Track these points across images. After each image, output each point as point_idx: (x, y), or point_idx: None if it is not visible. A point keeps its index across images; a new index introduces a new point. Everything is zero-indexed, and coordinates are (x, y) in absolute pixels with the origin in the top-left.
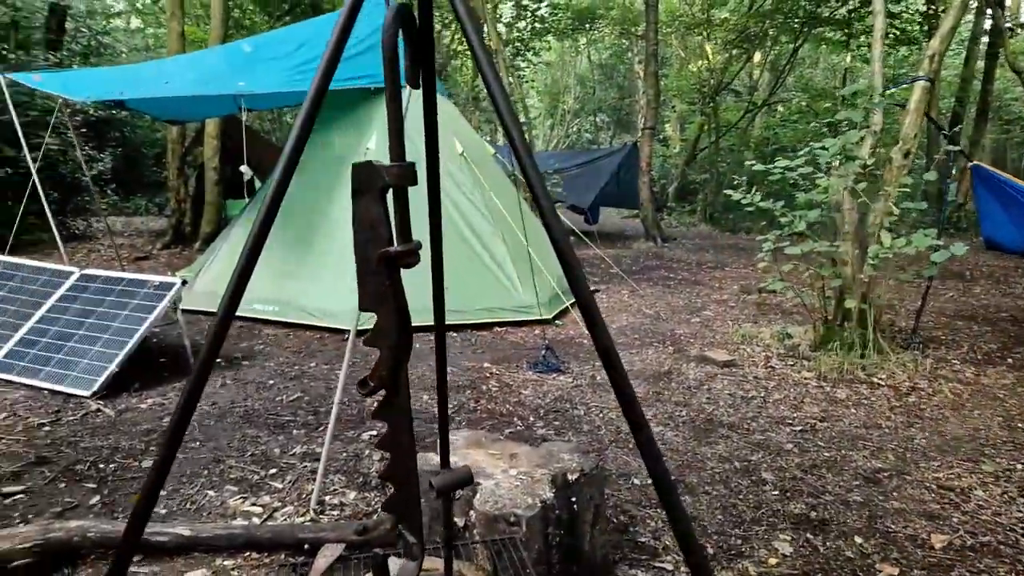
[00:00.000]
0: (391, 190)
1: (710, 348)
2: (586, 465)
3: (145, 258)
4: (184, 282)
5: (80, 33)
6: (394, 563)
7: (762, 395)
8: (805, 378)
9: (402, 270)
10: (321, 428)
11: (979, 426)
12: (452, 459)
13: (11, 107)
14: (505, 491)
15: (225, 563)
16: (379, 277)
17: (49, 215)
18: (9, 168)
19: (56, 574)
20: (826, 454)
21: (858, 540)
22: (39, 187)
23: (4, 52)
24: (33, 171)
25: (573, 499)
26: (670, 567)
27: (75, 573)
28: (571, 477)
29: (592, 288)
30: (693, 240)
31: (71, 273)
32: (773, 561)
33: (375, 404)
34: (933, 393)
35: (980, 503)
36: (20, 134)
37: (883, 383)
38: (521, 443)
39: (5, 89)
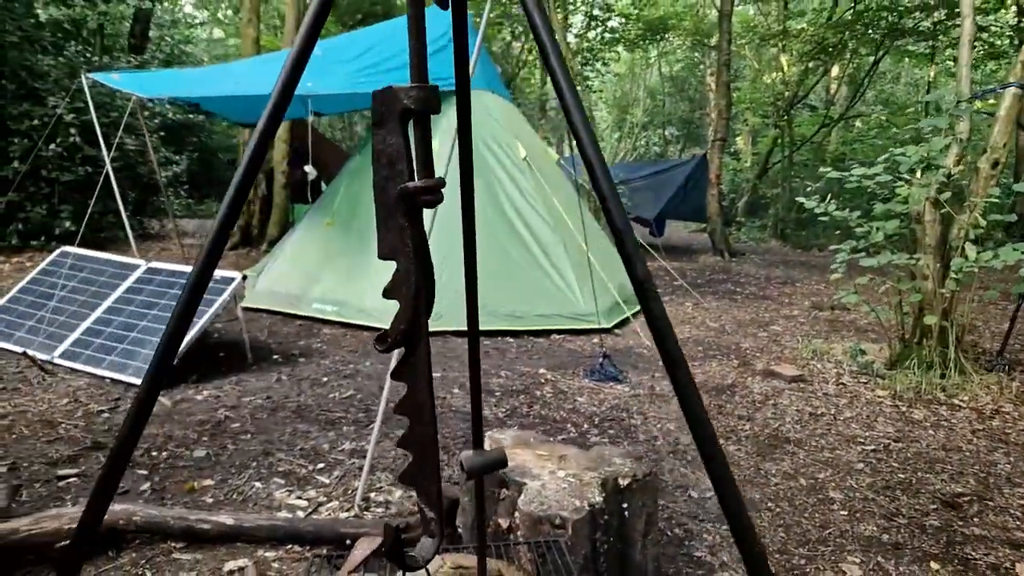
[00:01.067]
0: (412, 121)
1: (777, 363)
2: (639, 471)
3: None
4: (244, 277)
5: (164, 41)
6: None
7: (832, 412)
8: (879, 396)
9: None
10: (371, 426)
11: None
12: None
13: (91, 107)
14: (552, 492)
15: (267, 554)
16: (398, 219)
17: (123, 212)
18: (90, 167)
19: (100, 556)
20: (900, 475)
21: (934, 566)
22: (114, 185)
23: (89, 55)
24: (109, 169)
25: (624, 505)
26: None
27: (119, 556)
28: (623, 482)
29: None
30: (762, 256)
31: (137, 266)
32: None
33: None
34: (1019, 417)
35: None
36: (99, 134)
37: (964, 405)
38: (571, 446)
39: (87, 89)
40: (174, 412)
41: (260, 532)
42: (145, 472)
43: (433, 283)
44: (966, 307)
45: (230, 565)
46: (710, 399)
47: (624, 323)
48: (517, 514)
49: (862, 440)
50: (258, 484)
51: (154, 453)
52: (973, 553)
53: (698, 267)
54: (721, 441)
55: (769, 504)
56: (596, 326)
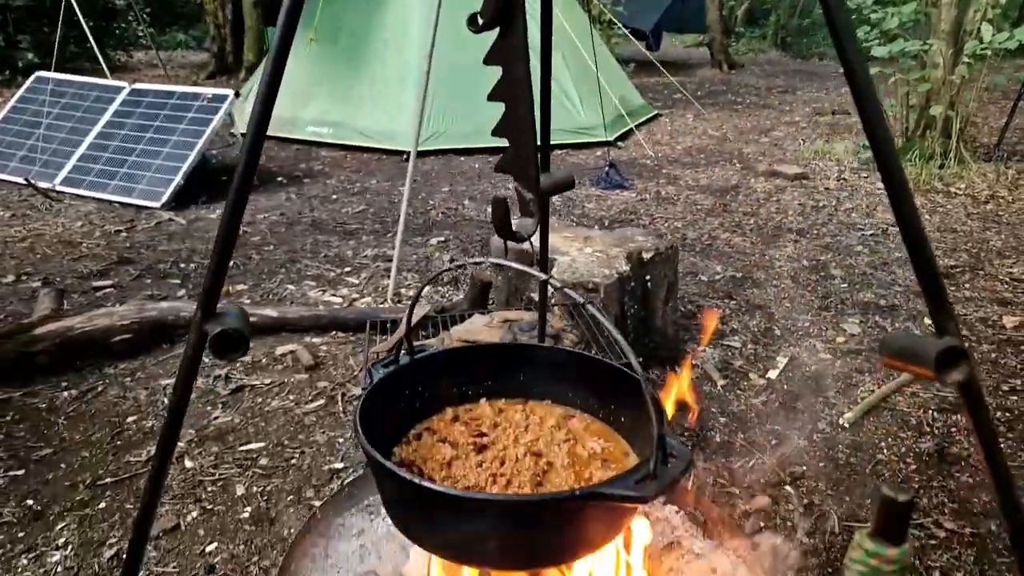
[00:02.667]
0: None
1: (779, 164)
2: (661, 245)
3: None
4: (237, 94)
5: None
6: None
7: (833, 204)
8: (879, 189)
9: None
10: (389, 235)
11: None
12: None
13: None
14: (581, 265)
15: (314, 340)
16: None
17: (89, 34)
18: None
19: (156, 348)
20: (897, 254)
21: (927, 321)
22: (76, 7)
23: None
24: None
25: (647, 277)
26: (738, 344)
27: (173, 348)
28: (646, 256)
29: (654, 113)
30: (763, 67)
31: (121, 88)
32: (840, 340)
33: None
34: (1013, 201)
35: None
36: None
37: (961, 192)
38: (594, 228)
39: None
40: (191, 230)
41: (304, 322)
42: (177, 281)
43: None
44: (972, 94)
45: (281, 349)
46: (715, 200)
47: (627, 135)
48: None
49: (861, 227)
50: (291, 287)
51: (182, 265)
52: (964, 311)
53: (697, 80)
54: (727, 235)
55: (774, 282)
56: (600, 139)
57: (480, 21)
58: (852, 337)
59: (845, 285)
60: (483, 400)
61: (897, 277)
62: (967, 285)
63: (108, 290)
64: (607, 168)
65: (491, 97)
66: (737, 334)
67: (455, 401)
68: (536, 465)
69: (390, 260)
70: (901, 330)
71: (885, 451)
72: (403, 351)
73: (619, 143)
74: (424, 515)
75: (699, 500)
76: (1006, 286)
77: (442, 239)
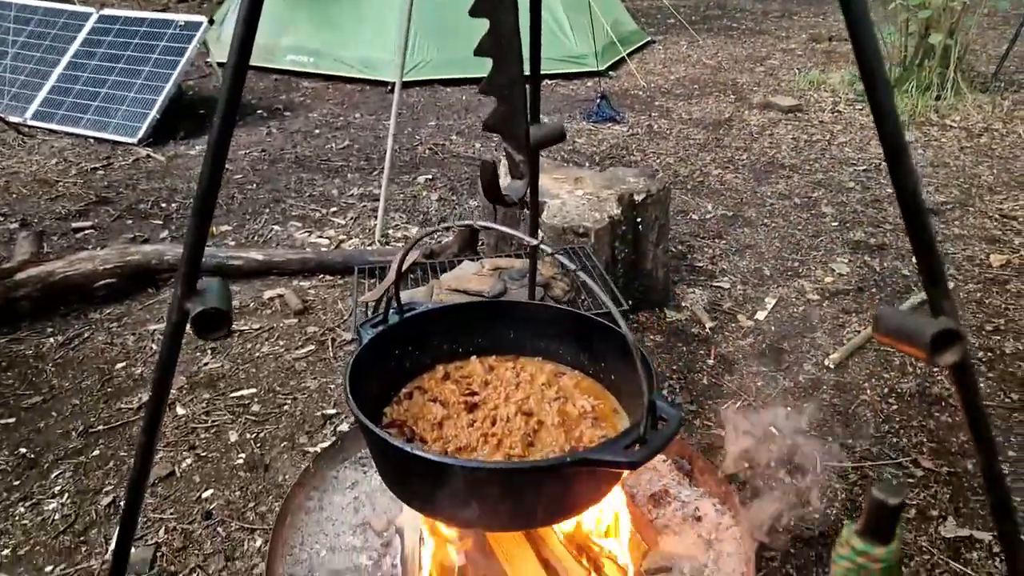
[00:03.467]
0: None
1: (774, 95)
2: (653, 187)
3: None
4: (211, 21)
5: None
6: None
7: (827, 138)
8: (873, 122)
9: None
10: (375, 173)
11: None
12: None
13: None
14: (572, 208)
15: (302, 283)
16: None
17: None
18: None
19: (140, 293)
20: (889, 190)
21: (915, 260)
22: None
23: None
24: None
25: (639, 219)
26: (727, 285)
27: (158, 292)
28: (637, 198)
29: (647, 39)
30: None
31: (89, 14)
32: (829, 279)
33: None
34: (1007, 134)
35: None
36: None
37: (955, 125)
38: (584, 168)
39: None
40: (171, 167)
41: (291, 265)
42: (160, 222)
43: None
44: (972, 20)
45: (269, 293)
46: (708, 134)
47: (619, 64)
48: (543, 224)
49: (855, 162)
50: (276, 227)
51: (163, 205)
52: (952, 249)
53: (692, 3)
54: (719, 171)
55: (765, 221)
56: (591, 69)
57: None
58: (840, 277)
59: (836, 223)
60: (474, 357)
61: (888, 215)
62: (956, 222)
63: (88, 231)
64: (598, 100)
65: (478, 52)
66: (727, 275)
67: (446, 358)
68: (527, 424)
69: (377, 199)
70: (890, 269)
71: (868, 391)
72: (392, 310)
73: (611, 72)
74: (417, 481)
75: (685, 448)
76: (995, 223)
77: (430, 177)
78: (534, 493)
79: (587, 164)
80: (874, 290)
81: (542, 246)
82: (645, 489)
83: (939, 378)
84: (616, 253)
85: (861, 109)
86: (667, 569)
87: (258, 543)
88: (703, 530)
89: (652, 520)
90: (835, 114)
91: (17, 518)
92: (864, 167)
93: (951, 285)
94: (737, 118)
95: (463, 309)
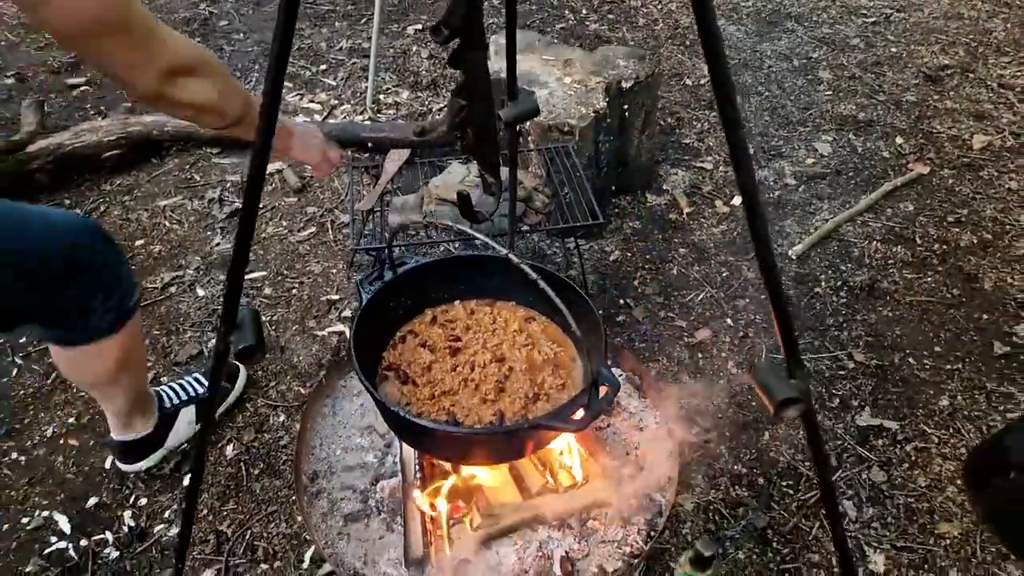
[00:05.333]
0: None
1: None
2: (641, 72)
3: None
4: None
5: None
6: (474, 195)
7: None
8: None
9: None
10: (363, 20)
11: None
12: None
13: None
14: (559, 100)
15: None
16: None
17: None
18: None
19: (146, 164)
20: (892, 49)
21: (899, 140)
22: None
23: None
24: None
25: (625, 107)
26: (709, 166)
27: (164, 162)
28: (625, 85)
29: None
30: None
31: None
32: (810, 161)
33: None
34: None
35: None
36: None
37: None
38: (576, 48)
39: None
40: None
41: None
42: None
43: None
44: None
45: (268, 168)
46: None
47: None
48: (528, 123)
49: (865, 11)
50: None
51: None
52: (938, 127)
53: None
54: (722, 22)
55: (759, 88)
56: None
57: (444, 32)
58: (821, 159)
59: (829, 92)
60: (458, 302)
61: (884, 80)
62: (952, 92)
63: (84, 89)
64: None
65: (454, 94)
66: (711, 153)
67: (432, 303)
68: (499, 371)
69: (365, 56)
70: (871, 151)
71: (823, 284)
72: (387, 268)
73: None
74: (413, 435)
75: (638, 367)
76: (991, 94)
77: (419, 27)
78: (501, 445)
79: (584, 10)
80: (851, 174)
81: (510, 256)
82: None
83: (891, 271)
84: (600, 146)
85: None
86: (611, 470)
87: (281, 418)
88: (643, 437)
89: (600, 429)
90: None
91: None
92: (874, 18)
93: (926, 170)
94: None
95: (449, 263)
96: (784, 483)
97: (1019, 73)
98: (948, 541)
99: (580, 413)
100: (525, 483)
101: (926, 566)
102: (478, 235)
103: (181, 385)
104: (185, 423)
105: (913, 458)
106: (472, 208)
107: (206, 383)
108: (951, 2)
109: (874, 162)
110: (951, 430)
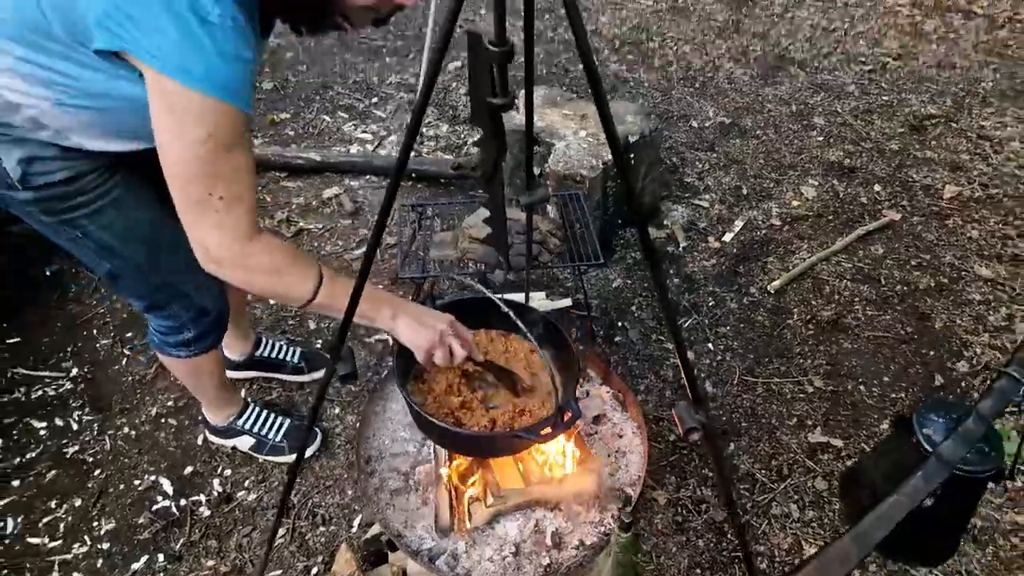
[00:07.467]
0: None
1: None
2: (646, 128)
3: None
4: None
5: None
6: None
7: (845, 27)
8: (899, 4)
9: None
10: (409, 56)
11: None
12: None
13: None
14: (574, 153)
15: (352, 183)
16: (484, 110)
17: None
18: None
19: None
20: (885, 98)
21: (877, 188)
22: None
23: None
24: None
25: (631, 155)
26: (707, 204)
27: None
28: (632, 139)
29: None
30: None
31: None
32: (795, 203)
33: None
34: None
35: (1010, 155)
36: None
37: (980, 12)
38: (591, 103)
39: None
40: None
41: (342, 166)
42: None
43: (504, 145)
44: None
45: (327, 193)
46: (730, 14)
47: None
48: (547, 168)
49: (863, 59)
50: (326, 118)
51: None
52: (915, 175)
53: None
54: (730, 65)
55: (758, 132)
56: None
57: (477, 173)
58: (806, 202)
59: (821, 138)
60: (482, 330)
61: (873, 128)
62: (932, 142)
63: None
64: None
65: (484, 205)
66: (710, 192)
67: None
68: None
69: (412, 90)
70: (851, 196)
71: (795, 317)
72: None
73: None
74: (427, 430)
75: (621, 383)
76: (970, 144)
77: (459, 63)
78: (492, 444)
79: (606, 50)
80: (831, 217)
81: (509, 312)
82: (594, 411)
83: (856, 307)
84: (607, 191)
85: None
86: (592, 468)
87: (336, 411)
88: (622, 443)
89: (590, 435)
90: None
91: None
92: (871, 66)
93: (898, 217)
94: None
95: (475, 302)
96: (743, 486)
97: (1000, 124)
98: None
99: (548, 429)
100: (527, 472)
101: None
102: (485, 291)
103: (264, 416)
104: (246, 444)
105: None
106: (488, 285)
107: (278, 434)
108: (948, 50)
109: (853, 207)
110: None
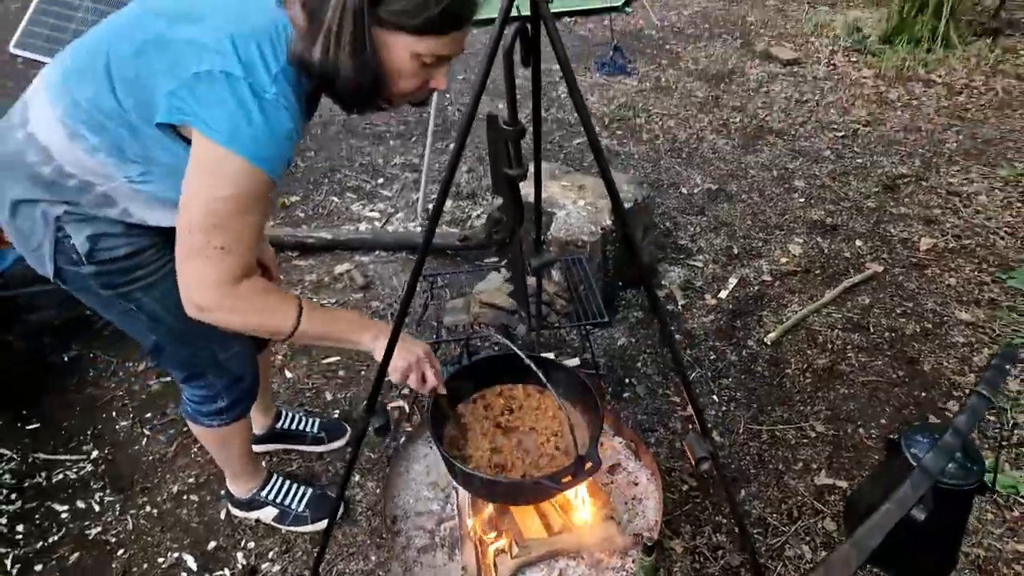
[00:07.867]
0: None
1: (778, 42)
2: (640, 195)
3: None
4: None
5: None
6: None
7: (816, 98)
8: (863, 77)
9: None
10: (412, 139)
11: (1016, 127)
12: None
13: None
14: (574, 220)
15: (362, 259)
16: (503, 181)
17: None
18: None
19: None
20: (858, 160)
21: (858, 243)
22: None
23: None
24: None
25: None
26: (700, 264)
27: None
28: (627, 206)
29: None
30: None
31: None
32: (784, 260)
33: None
34: (985, 91)
35: (978, 208)
36: None
37: (939, 80)
38: (588, 175)
39: None
40: None
41: (352, 243)
42: None
43: (523, 213)
44: None
45: (338, 268)
46: (709, 90)
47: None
48: (551, 235)
49: (836, 127)
50: (335, 199)
51: None
52: (892, 230)
53: None
54: (713, 136)
55: (744, 195)
56: (607, 4)
57: (498, 236)
58: (793, 258)
59: (803, 200)
60: (520, 385)
61: (850, 189)
62: (906, 199)
63: None
64: (611, 52)
65: (505, 267)
66: (703, 253)
67: (502, 380)
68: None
69: (415, 170)
70: (835, 251)
71: (792, 366)
72: (463, 356)
73: (627, 8)
74: (461, 478)
75: (633, 434)
76: (940, 200)
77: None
78: (517, 491)
79: (597, 127)
80: (818, 271)
81: (537, 371)
82: (609, 460)
83: (849, 355)
84: (607, 254)
85: (855, 62)
86: (611, 516)
87: (356, 478)
88: (637, 491)
89: (606, 484)
90: (830, 68)
91: None
92: (843, 133)
93: (880, 268)
94: (738, 71)
95: (501, 359)
96: (756, 531)
97: (967, 180)
98: None
99: (569, 478)
100: (549, 522)
101: None
102: (512, 346)
103: (287, 486)
104: (269, 515)
105: None
106: (510, 335)
107: (300, 504)
108: (912, 115)
109: (837, 261)
110: None
